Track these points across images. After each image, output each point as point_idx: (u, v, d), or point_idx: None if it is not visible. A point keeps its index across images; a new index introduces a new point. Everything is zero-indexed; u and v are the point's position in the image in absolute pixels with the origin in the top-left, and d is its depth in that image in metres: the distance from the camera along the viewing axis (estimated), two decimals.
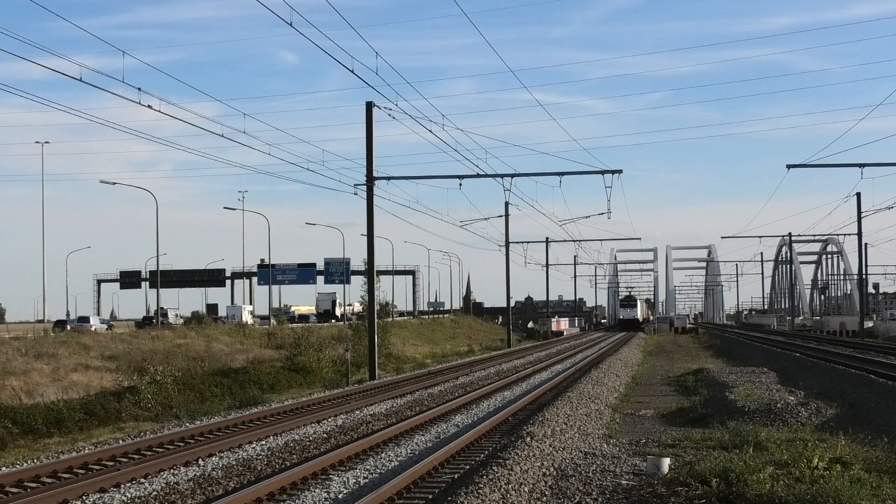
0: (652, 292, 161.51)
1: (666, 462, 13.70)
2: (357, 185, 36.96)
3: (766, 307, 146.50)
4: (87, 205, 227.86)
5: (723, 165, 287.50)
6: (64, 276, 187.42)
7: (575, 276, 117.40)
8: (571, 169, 41.80)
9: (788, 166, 42.92)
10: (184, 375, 33.52)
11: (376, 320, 38.46)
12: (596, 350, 57.11)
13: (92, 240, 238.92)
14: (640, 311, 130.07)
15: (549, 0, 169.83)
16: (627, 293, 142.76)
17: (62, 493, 13.38)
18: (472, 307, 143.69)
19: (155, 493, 13.67)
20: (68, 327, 65.16)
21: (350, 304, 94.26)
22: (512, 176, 39.41)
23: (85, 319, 78.16)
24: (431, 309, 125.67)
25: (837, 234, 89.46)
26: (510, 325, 79.46)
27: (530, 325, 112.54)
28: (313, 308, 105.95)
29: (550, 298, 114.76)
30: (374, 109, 35.77)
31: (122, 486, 14.21)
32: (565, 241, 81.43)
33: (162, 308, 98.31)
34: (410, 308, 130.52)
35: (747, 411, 20.04)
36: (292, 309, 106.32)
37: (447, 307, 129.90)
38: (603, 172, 37.48)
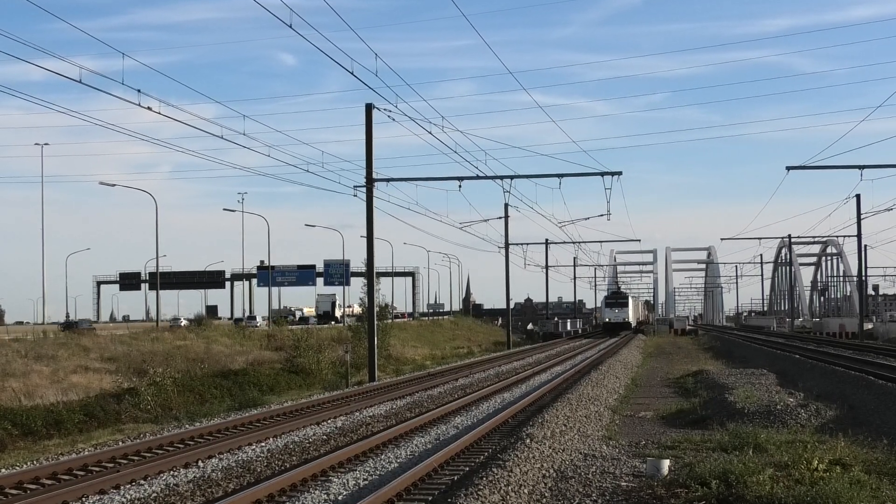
0: (652, 294, 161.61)
1: (665, 464, 13.70)
2: (357, 186, 36.98)
3: (765, 309, 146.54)
4: (86, 206, 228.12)
5: (722, 167, 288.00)
6: (64, 277, 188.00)
7: (574, 278, 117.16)
8: (571, 170, 41.95)
9: (788, 168, 42.96)
10: (183, 377, 33.54)
11: (376, 322, 38.47)
12: (595, 352, 57.10)
13: (91, 241, 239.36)
14: (631, 311, 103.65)
15: (548, 2, 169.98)
16: (616, 288, 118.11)
17: (62, 494, 13.38)
18: (471, 309, 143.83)
19: (154, 494, 13.67)
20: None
21: (350, 306, 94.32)
22: (511, 177, 39.44)
23: (252, 318, 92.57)
24: (431, 311, 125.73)
25: (837, 236, 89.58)
26: (510, 327, 79.45)
27: (530, 326, 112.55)
28: (313, 310, 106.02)
29: (550, 300, 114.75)
30: (374, 111, 35.78)
31: (122, 487, 14.21)
32: (565, 242, 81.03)
33: (287, 308, 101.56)
34: (410, 310, 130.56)
35: (747, 413, 20.04)
36: (305, 310, 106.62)
37: (447, 309, 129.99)
38: (602, 174, 37.49)
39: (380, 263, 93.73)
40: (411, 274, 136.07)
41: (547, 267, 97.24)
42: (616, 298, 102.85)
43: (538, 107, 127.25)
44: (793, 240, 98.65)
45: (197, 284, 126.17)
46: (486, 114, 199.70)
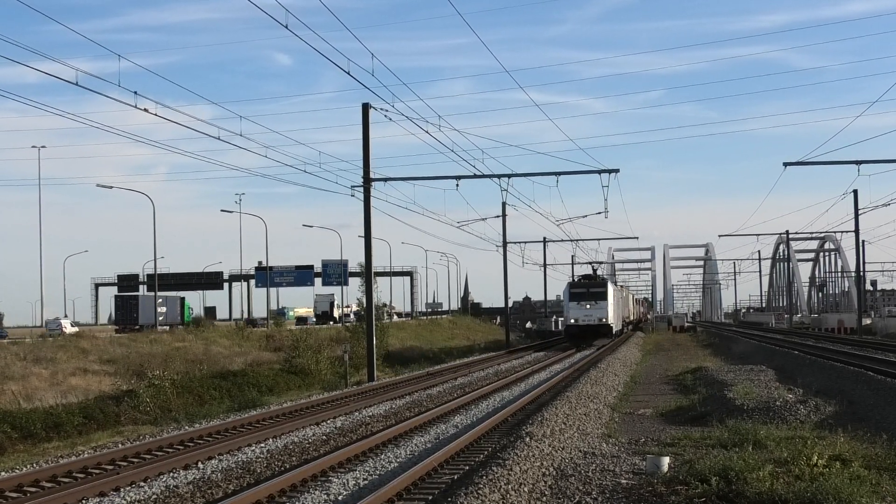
0: (650, 291, 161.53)
1: (665, 461, 13.70)
2: (354, 186, 36.94)
3: (763, 305, 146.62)
4: (84, 209, 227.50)
5: (719, 163, 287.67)
6: (62, 280, 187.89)
7: (573, 276, 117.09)
8: (568, 168, 41.79)
9: (785, 164, 43.05)
10: (182, 379, 33.53)
11: (374, 322, 38.46)
12: (594, 350, 57.12)
13: (89, 244, 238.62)
14: (612, 307, 61.81)
15: (544, 0, 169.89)
16: (591, 270, 72.74)
17: (62, 497, 13.37)
18: (469, 307, 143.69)
19: (155, 496, 13.67)
20: None
21: (348, 306, 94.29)
22: (509, 176, 39.42)
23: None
24: (430, 310, 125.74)
25: (835, 232, 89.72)
26: (508, 326, 79.41)
27: (528, 325, 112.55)
28: (311, 310, 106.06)
29: (549, 298, 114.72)
30: (371, 111, 35.76)
31: (122, 489, 14.20)
32: (563, 240, 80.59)
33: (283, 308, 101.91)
34: (409, 309, 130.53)
35: (746, 409, 20.04)
36: (297, 310, 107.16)
37: (445, 308, 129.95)
38: (600, 172, 37.51)
39: (378, 263, 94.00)
40: (409, 273, 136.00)
41: (545, 265, 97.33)
42: (587, 287, 61.79)
43: (535, 105, 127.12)
44: (790, 236, 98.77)
45: (195, 286, 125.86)
46: (482, 112, 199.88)
